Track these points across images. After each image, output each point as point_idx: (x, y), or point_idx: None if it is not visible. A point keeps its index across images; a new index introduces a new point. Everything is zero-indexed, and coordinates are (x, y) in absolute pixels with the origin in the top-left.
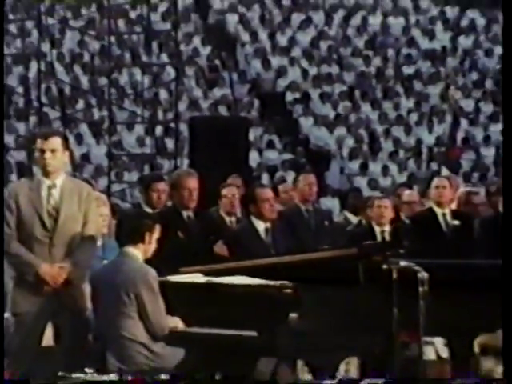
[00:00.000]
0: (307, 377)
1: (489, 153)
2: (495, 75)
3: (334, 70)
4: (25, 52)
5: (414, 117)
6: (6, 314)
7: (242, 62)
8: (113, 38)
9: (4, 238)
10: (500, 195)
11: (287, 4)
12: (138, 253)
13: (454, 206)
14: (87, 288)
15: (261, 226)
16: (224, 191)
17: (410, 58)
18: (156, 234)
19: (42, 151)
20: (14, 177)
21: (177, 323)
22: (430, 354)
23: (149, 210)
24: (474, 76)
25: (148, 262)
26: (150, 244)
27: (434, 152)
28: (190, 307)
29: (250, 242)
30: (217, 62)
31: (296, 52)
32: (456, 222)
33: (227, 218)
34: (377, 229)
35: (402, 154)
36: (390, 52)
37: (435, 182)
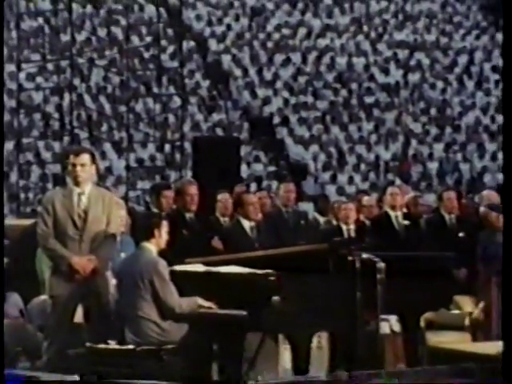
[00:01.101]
0: (285, 346)
1: (433, 166)
2: (438, 104)
3: (310, 99)
4: (60, 85)
5: (373, 137)
6: (44, 297)
7: (234, 92)
8: (130, 74)
9: (42, 236)
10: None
11: (271, 46)
12: (151, 246)
13: (404, 209)
14: (110, 276)
15: (247, 224)
16: (219, 197)
17: (370, 90)
18: (165, 229)
19: (74, 165)
20: (50, 185)
21: (193, 303)
22: (385, 328)
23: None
24: (422, 105)
25: (161, 254)
26: (161, 237)
27: (390, 166)
28: (192, 291)
29: (238, 238)
30: (214, 92)
31: (279, 85)
32: (406, 222)
33: (221, 219)
34: (344, 227)
35: (363, 167)
36: (354, 85)
37: (389, 190)
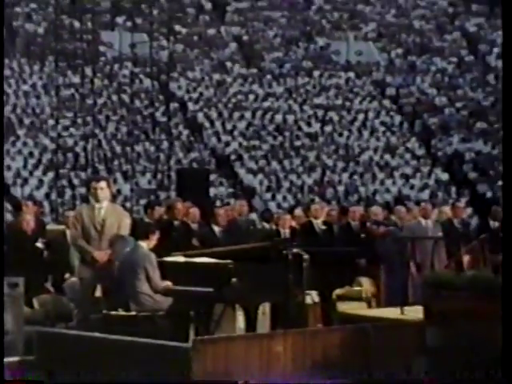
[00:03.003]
0: (240, 313)
1: (341, 189)
2: (344, 146)
3: (257, 143)
4: (85, 133)
5: (300, 169)
6: (74, 278)
7: (205, 138)
8: (134, 125)
9: (73, 237)
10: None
11: (230, 106)
12: (145, 244)
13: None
14: (119, 265)
15: (216, 229)
16: (191, 210)
17: (298, 136)
18: (156, 236)
19: (95, 188)
20: (78, 202)
21: (168, 284)
22: (308, 300)
23: (151, 221)
24: (333, 147)
25: (153, 249)
26: (153, 239)
27: (312, 188)
28: (176, 275)
29: (210, 238)
30: (192, 138)
31: (236, 133)
32: (324, 227)
33: (192, 225)
34: (281, 231)
35: (294, 189)
36: (287, 133)
37: (312, 205)
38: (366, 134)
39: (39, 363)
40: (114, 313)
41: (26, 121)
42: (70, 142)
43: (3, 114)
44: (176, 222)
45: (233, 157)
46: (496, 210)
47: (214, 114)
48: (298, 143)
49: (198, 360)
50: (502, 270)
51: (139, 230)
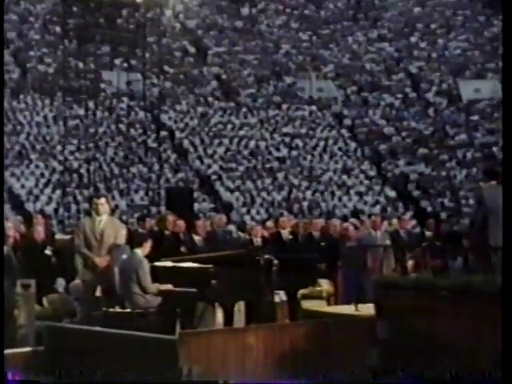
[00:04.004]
0: (219, 310)
1: (305, 204)
2: (308, 168)
3: (234, 165)
4: (88, 157)
5: (270, 187)
6: (78, 280)
7: (190, 161)
8: (130, 151)
9: (78, 245)
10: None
11: (211, 135)
12: (139, 252)
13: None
14: (116, 269)
15: (197, 238)
16: (177, 222)
17: (268, 160)
18: (149, 244)
19: (96, 204)
20: (82, 215)
21: (157, 286)
22: (277, 299)
23: (144, 231)
24: (298, 168)
25: (148, 255)
26: (146, 248)
27: (281, 204)
28: (165, 278)
29: (193, 246)
30: (179, 161)
31: (216, 157)
32: (290, 237)
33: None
34: (254, 240)
35: (265, 205)
36: (260, 157)
37: (282, 219)
38: (326, 157)
39: (48, 353)
40: (111, 310)
41: (38, 147)
42: (75, 164)
43: (3, 115)
44: (167, 232)
45: (213, 177)
46: (433, 223)
47: (197, 141)
48: (268, 165)
49: (183, 350)
50: (502, 271)
51: (134, 239)
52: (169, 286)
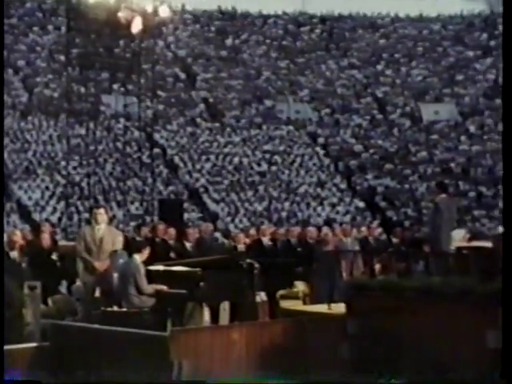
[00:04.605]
0: (206, 309)
1: (284, 215)
2: (285, 182)
3: (219, 179)
4: (88, 172)
5: (253, 199)
6: (79, 282)
7: (180, 176)
8: (126, 166)
9: (79, 250)
10: None
11: (199, 152)
12: (138, 257)
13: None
14: (115, 273)
15: (187, 245)
16: (169, 230)
17: (250, 174)
18: (147, 250)
19: (96, 214)
20: (83, 224)
21: (155, 287)
22: (258, 299)
23: (142, 239)
24: (277, 182)
25: (145, 261)
26: (144, 254)
27: (262, 214)
28: (158, 280)
29: (183, 252)
30: (170, 175)
31: (204, 171)
32: (270, 243)
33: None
34: (238, 246)
35: (249, 214)
36: (243, 172)
37: (263, 227)
38: (302, 172)
39: (52, 348)
40: (109, 309)
41: (44, 162)
42: (77, 178)
43: (3, 116)
44: (158, 239)
45: (201, 189)
46: (398, 230)
47: (186, 157)
48: (250, 179)
49: (174, 345)
50: (502, 273)
51: (133, 246)
52: (163, 287)
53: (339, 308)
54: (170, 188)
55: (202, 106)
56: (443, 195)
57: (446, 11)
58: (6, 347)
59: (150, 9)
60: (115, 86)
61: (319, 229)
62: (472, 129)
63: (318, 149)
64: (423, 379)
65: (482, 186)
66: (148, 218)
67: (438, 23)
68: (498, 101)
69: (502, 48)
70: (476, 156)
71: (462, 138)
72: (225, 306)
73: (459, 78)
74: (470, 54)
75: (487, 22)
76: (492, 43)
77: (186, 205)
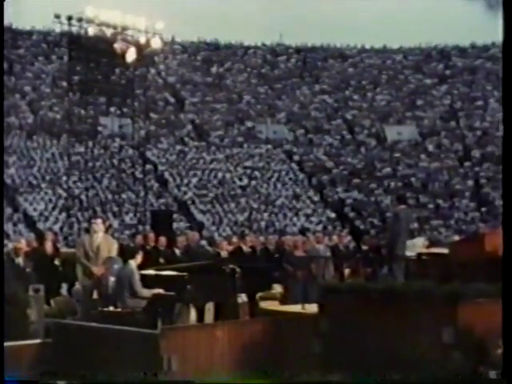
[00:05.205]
0: (193, 309)
1: (263, 224)
2: (265, 195)
3: (205, 192)
4: (87, 186)
5: (235, 210)
6: (78, 285)
7: (170, 189)
8: (121, 181)
9: (79, 256)
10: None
11: (187, 168)
12: (133, 262)
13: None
14: (111, 277)
15: (176, 251)
16: (160, 238)
17: (233, 189)
18: (140, 255)
19: (93, 224)
20: (83, 232)
21: (158, 290)
22: (239, 300)
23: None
24: (257, 195)
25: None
26: (137, 259)
27: (244, 223)
28: (150, 284)
29: (172, 258)
30: (160, 189)
31: (191, 185)
32: (250, 250)
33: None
34: (221, 253)
35: (232, 224)
36: (226, 187)
37: (244, 236)
38: (279, 186)
39: (54, 344)
40: (106, 309)
41: (47, 177)
42: (77, 191)
43: (3, 122)
44: (148, 247)
45: (189, 202)
46: (366, 238)
47: (175, 173)
48: (233, 192)
49: (163, 342)
50: (502, 273)
51: (128, 252)
52: (160, 290)
53: (312, 308)
54: (161, 200)
55: (189, 126)
56: (402, 206)
57: (406, 44)
58: (14, 343)
59: (143, 40)
60: (112, 109)
61: (294, 237)
62: (430, 148)
63: (293, 165)
64: (387, 373)
65: (439, 198)
66: (141, 228)
67: (400, 54)
68: (453, 123)
69: (502, 47)
70: (434, 172)
71: (422, 156)
72: (209, 307)
73: (419, 102)
74: (428, 81)
75: (443, 54)
76: (447, 72)
77: (175, 215)
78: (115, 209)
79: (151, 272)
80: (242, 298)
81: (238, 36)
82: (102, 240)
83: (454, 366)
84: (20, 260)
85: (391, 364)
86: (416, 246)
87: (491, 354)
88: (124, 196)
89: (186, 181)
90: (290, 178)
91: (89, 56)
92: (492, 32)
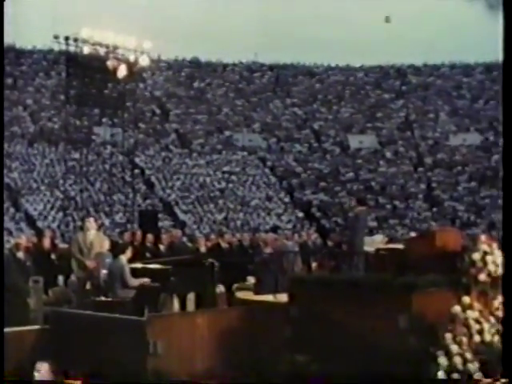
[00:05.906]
0: (176, 299)
1: (239, 223)
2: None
3: (193, 197)
4: (82, 190)
5: (221, 215)
6: (74, 277)
7: (156, 191)
8: (112, 184)
9: (74, 252)
10: None
11: (171, 172)
12: (123, 257)
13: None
14: (103, 270)
15: (161, 247)
16: (147, 235)
17: (218, 199)
18: (129, 250)
19: (87, 222)
20: (77, 230)
21: (144, 280)
22: (218, 290)
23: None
24: (239, 203)
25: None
26: (127, 254)
27: (222, 223)
28: (137, 275)
29: (157, 253)
30: (147, 191)
31: (175, 188)
32: (227, 246)
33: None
34: (201, 249)
35: (212, 225)
36: (214, 203)
37: (222, 233)
38: (254, 188)
39: (52, 330)
40: (98, 299)
41: (46, 181)
42: (73, 193)
43: (3, 123)
44: (136, 243)
45: (173, 203)
46: (331, 236)
47: (161, 177)
48: (212, 194)
49: (150, 328)
50: (503, 272)
51: (118, 247)
52: (146, 280)
53: (283, 298)
54: (148, 201)
55: (173, 135)
56: (362, 207)
57: (367, 62)
58: (16, 328)
59: (132, 58)
60: (104, 120)
61: (267, 234)
62: (388, 155)
63: (266, 170)
64: (350, 354)
65: (396, 200)
66: (129, 226)
67: (362, 72)
68: (409, 133)
69: (502, 47)
70: (391, 176)
71: (381, 162)
72: (191, 296)
73: (378, 115)
74: (387, 96)
75: (399, 72)
76: (403, 88)
77: (160, 215)
78: (107, 209)
79: (139, 265)
80: (220, 288)
81: (217, 55)
82: (95, 237)
83: (409, 348)
84: (21, 254)
85: (353, 347)
86: (375, 242)
87: (440, 337)
88: (115, 197)
89: (170, 184)
90: (264, 182)
91: (84, 72)
92: (444, 52)
